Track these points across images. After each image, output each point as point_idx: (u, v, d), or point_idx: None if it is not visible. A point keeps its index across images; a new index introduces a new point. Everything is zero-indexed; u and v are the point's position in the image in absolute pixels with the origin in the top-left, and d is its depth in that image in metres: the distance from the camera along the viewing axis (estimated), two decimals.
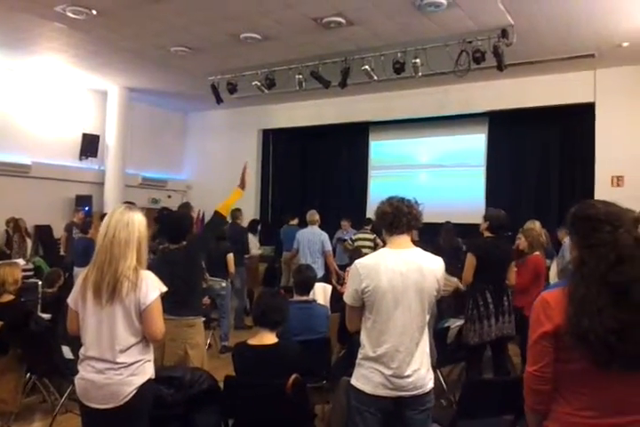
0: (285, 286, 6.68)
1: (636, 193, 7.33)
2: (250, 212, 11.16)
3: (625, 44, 7.51)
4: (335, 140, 11.93)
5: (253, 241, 8.60)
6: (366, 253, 2.72)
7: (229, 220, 7.71)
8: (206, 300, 5.68)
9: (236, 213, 7.78)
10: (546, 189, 9.73)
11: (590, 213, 1.72)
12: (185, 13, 6.85)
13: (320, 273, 6.76)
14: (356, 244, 7.49)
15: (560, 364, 1.68)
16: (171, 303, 3.05)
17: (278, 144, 12.63)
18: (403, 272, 2.43)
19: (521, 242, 4.95)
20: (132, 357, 2.36)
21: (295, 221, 8.72)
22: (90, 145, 10.58)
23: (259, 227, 9.30)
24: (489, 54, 6.86)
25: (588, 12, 6.51)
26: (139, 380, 2.36)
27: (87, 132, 10.61)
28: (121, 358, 2.33)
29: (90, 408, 2.38)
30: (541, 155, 9.83)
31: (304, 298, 3.93)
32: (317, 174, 12.27)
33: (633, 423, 1.66)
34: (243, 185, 3.85)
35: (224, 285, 6.28)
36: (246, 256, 7.94)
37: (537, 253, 4.82)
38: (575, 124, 9.32)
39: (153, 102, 11.87)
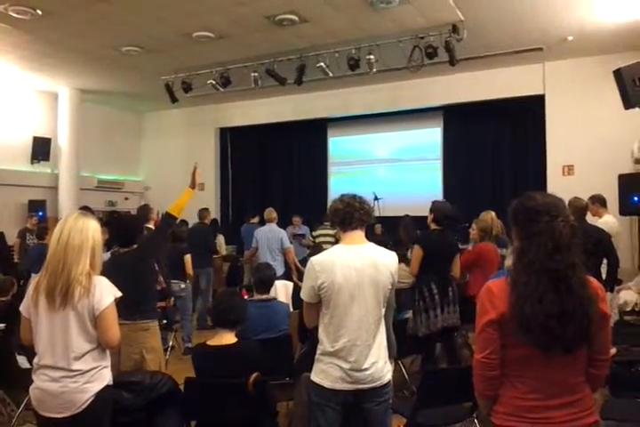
0: (247, 285, 6.66)
1: (585, 181, 7.60)
2: (210, 211, 11.06)
3: (570, 38, 7.74)
4: (294, 137, 11.91)
5: (222, 241, 8.53)
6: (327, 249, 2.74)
7: (198, 220, 7.66)
8: (170, 302, 5.64)
9: (203, 212, 7.71)
10: (500, 179, 9.95)
11: (529, 205, 1.79)
12: (135, 12, 6.72)
13: (281, 271, 6.78)
14: (317, 240, 7.51)
15: (506, 350, 1.75)
16: (124, 308, 2.99)
17: (236, 142, 12.53)
18: (357, 267, 2.46)
19: (473, 232, 5.08)
20: (87, 364, 2.32)
21: (256, 220, 8.70)
22: (41, 148, 10.27)
23: (218, 226, 9.24)
24: (441, 49, 6.97)
25: (534, 7, 6.68)
26: (96, 387, 2.33)
27: (38, 135, 10.30)
28: (76, 366, 2.29)
29: (47, 418, 2.33)
30: (495, 147, 10.04)
31: (264, 296, 3.93)
32: (277, 172, 12.23)
33: (575, 402, 1.76)
34: (193, 185, 3.82)
35: (183, 286, 6.23)
36: (215, 256, 7.88)
37: (485, 242, 4.96)
38: (526, 115, 9.55)
39: (106, 103, 11.61)
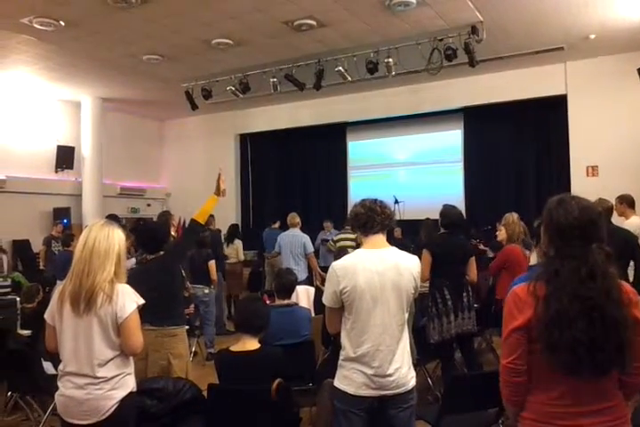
0: (269, 291, 6.66)
1: (610, 182, 7.46)
2: (231, 216, 11.14)
3: (592, 37, 7.62)
4: (313, 141, 11.93)
5: (240, 246, 8.57)
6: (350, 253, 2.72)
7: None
8: (190, 308, 5.65)
9: (209, 218, 7.74)
10: (523, 181, 9.83)
11: (564, 222, 1.72)
12: (155, 21, 6.81)
13: (304, 275, 6.77)
14: (338, 244, 7.48)
15: (534, 355, 1.71)
16: (152, 314, 3.03)
17: (256, 148, 12.61)
18: (380, 271, 2.44)
19: (500, 233, 5.02)
20: (111, 371, 2.33)
21: (277, 225, 8.73)
22: (65, 157, 10.47)
23: (240, 231, 9.28)
24: (460, 51, 6.92)
25: (555, 5, 6.60)
26: (120, 393, 2.34)
27: (62, 143, 10.50)
28: (100, 373, 2.30)
29: (72, 425, 2.35)
30: (517, 148, 9.92)
31: (285, 302, 3.92)
32: (297, 177, 12.27)
33: (607, 409, 1.70)
34: (218, 192, 3.83)
35: (207, 291, 6.26)
36: (230, 261, 7.92)
37: (513, 244, 4.90)
38: (548, 116, 9.43)
39: (128, 111, 11.78)
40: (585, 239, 1.68)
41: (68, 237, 7.28)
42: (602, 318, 1.62)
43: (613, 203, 5.15)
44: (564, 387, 1.69)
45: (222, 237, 8.59)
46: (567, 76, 8.80)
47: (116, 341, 2.34)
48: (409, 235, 8.49)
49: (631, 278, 4.53)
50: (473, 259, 4.52)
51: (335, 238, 7.83)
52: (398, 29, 7.20)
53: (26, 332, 4.64)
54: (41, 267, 8.71)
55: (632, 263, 4.64)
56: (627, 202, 5.58)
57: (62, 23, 6.76)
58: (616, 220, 5.19)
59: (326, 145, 11.90)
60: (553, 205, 1.77)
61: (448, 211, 4.53)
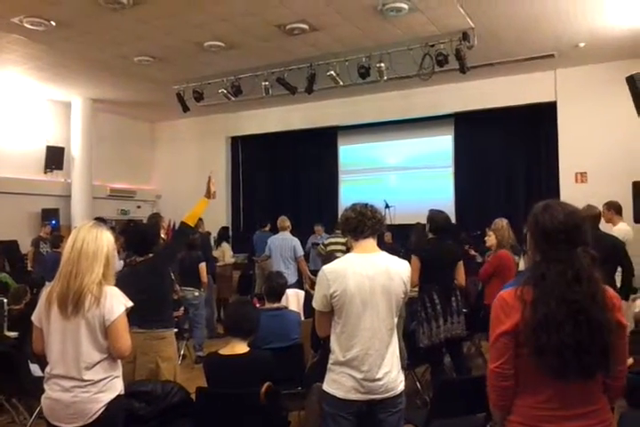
0: (259, 294, 6.64)
1: (599, 189, 7.52)
2: (221, 219, 11.10)
3: (582, 45, 7.71)
4: (304, 145, 11.94)
5: (227, 249, 8.56)
6: (340, 257, 2.72)
7: None
8: (180, 311, 5.63)
9: (198, 222, 7.71)
10: (513, 187, 9.90)
11: (549, 226, 1.74)
12: (147, 22, 6.80)
13: (294, 279, 6.76)
14: (328, 248, 7.48)
15: (522, 359, 1.72)
16: (140, 316, 3.02)
17: (247, 151, 12.61)
18: (370, 276, 2.44)
19: (489, 239, 5.04)
20: (98, 374, 2.31)
21: (267, 228, 8.72)
22: (54, 157, 10.39)
23: (229, 234, 9.27)
24: (451, 57, 6.97)
25: (546, 13, 6.67)
26: (107, 396, 2.32)
27: (51, 144, 10.42)
28: (87, 376, 2.29)
29: None
30: (507, 154, 10.00)
31: (275, 305, 3.92)
32: (288, 180, 12.27)
33: (591, 413, 1.72)
34: (208, 194, 3.83)
35: (197, 294, 6.24)
36: (217, 264, 7.90)
37: (504, 250, 4.92)
38: (538, 122, 9.51)
39: (119, 112, 11.73)
40: (570, 243, 1.70)
41: (57, 238, 7.23)
42: (587, 321, 1.64)
43: (601, 209, 5.20)
44: (551, 390, 1.71)
45: (212, 240, 8.58)
46: (557, 83, 8.89)
47: (103, 343, 2.32)
48: (399, 239, 8.51)
49: (618, 284, 4.58)
50: (461, 263, 4.52)
51: (325, 242, 7.82)
52: (390, 34, 7.24)
53: (13, 334, 4.59)
54: (29, 268, 8.64)
55: (619, 269, 4.70)
56: (614, 209, 5.63)
57: (53, 23, 6.73)
58: (604, 226, 5.23)
59: (317, 149, 11.89)
60: (539, 211, 1.80)
61: (435, 215, 4.54)
